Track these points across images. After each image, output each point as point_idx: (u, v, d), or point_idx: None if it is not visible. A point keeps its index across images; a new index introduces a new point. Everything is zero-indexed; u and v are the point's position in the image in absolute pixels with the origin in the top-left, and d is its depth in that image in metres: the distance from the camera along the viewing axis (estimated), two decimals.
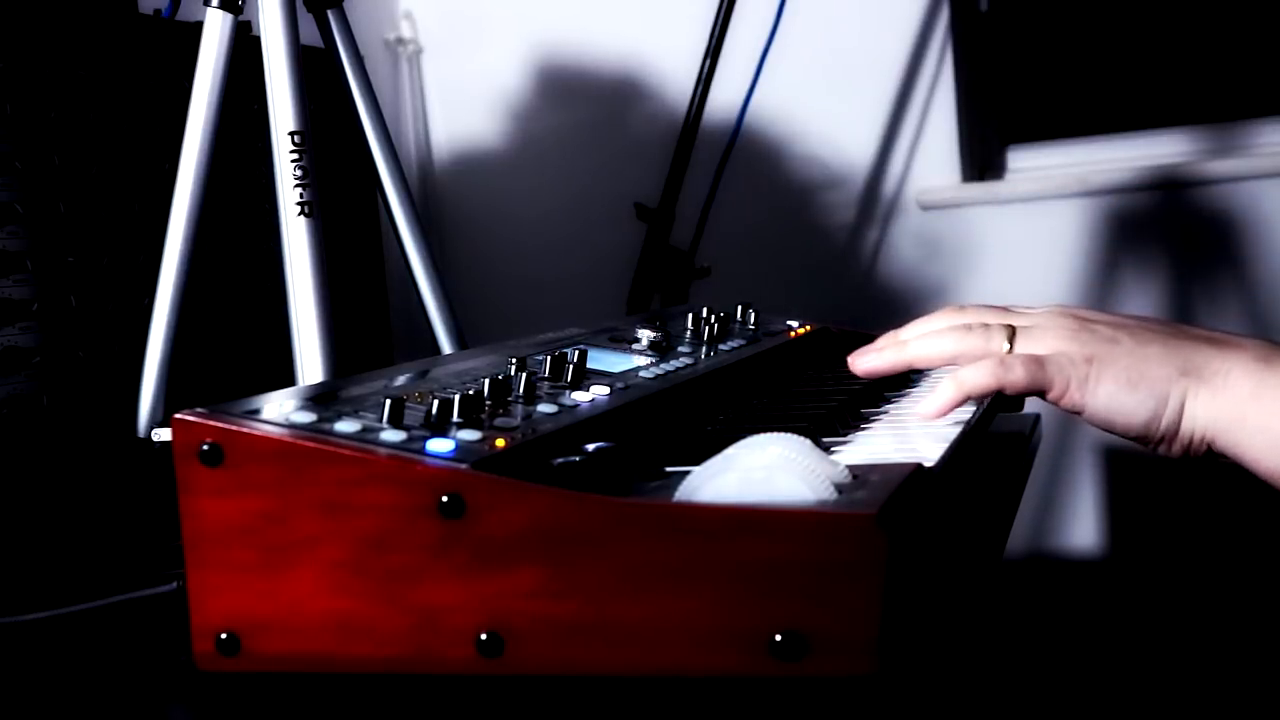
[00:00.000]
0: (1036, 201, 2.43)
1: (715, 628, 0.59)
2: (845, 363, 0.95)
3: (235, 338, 1.41)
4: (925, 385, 1.05)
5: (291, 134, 1.13)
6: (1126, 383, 0.81)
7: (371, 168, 1.28)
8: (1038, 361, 0.82)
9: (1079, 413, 0.83)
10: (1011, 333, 0.85)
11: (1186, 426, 0.81)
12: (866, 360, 0.92)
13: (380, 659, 0.64)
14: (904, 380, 1.05)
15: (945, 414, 0.84)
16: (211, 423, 0.65)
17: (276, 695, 0.66)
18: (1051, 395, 0.82)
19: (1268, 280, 2.29)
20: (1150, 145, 2.46)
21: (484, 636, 0.62)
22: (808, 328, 1.27)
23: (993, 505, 0.88)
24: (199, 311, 1.27)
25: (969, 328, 0.87)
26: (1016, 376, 0.82)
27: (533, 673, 0.62)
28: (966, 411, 0.89)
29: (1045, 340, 0.84)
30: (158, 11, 1.37)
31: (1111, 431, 0.84)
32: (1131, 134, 2.49)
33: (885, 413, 0.97)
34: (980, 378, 0.82)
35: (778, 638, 0.58)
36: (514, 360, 0.84)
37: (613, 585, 0.60)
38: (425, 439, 0.65)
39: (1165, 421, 0.81)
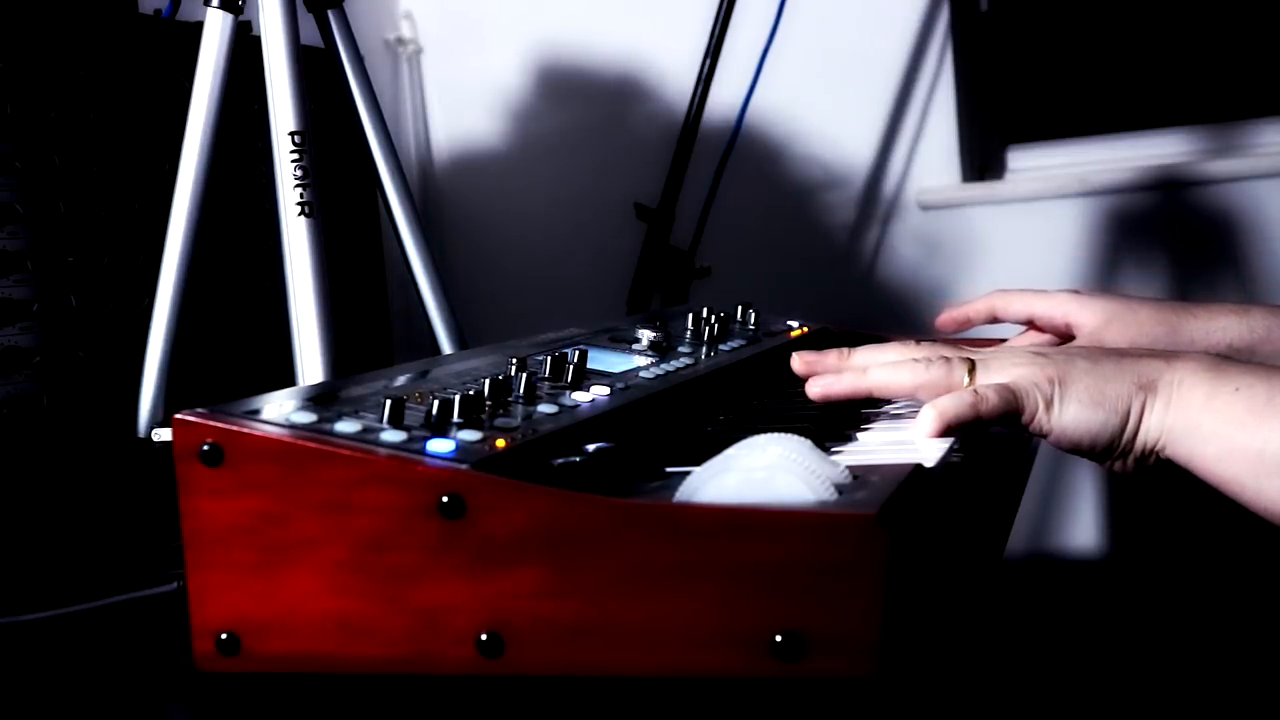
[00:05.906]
0: (1036, 201, 2.43)
1: (715, 628, 0.59)
2: None
3: (235, 338, 1.41)
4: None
5: (291, 134, 1.13)
6: (1090, 402, 0.82)
7: (371, 168, 1.28)
8: (1008, 388, 0.83)
9: (1045, 436, 0.83)
10: (971, 365, 0.86)
11: (1141, 439, 0.82)
12: (823, 383, 0.89)
13: (380, 659, 0.64)
14: None
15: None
16: (212, 423, 0.65)
17: (276, 695, 0.66)
18: (1023, 419, 0.83)
19: (1268, 280, 2.29)
20: (1150, 145, 2.46)
21: (484, 637, 0.62)
22: (807, 328, 1.27)
23: (993, 505, 0.88)
24: (199, 311, 1.27)
25: (928, 360, 0.87)
26: (992, 404, 0.82)
27: (533, 673, 0.62)
28: None
29: (1004, 370, 0.85)
30: (158, 11, 1.37)
31: (1076, 452, 0.84)
32: (1131, 134, 2.49)
33: (885, 414, 0.97)
34: (959, 407, 0.82)
35: (778, 638, 0.58)
36: (514, 360, 0.84)
37: (613, 586, 0.60)
38: (425, 439, 0.65)
39: (1125, 437, 0.82)
